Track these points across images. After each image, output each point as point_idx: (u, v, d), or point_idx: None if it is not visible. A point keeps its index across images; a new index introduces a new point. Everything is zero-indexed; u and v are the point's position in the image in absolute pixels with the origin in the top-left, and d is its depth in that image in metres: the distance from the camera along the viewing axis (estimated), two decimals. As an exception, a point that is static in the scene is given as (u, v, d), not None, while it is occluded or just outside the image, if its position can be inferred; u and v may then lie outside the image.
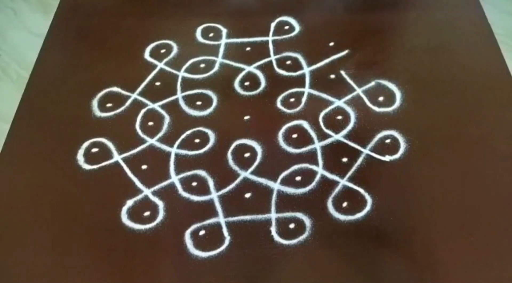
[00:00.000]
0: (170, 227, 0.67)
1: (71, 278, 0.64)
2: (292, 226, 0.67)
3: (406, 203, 0.68)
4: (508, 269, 0.62)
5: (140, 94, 0.82)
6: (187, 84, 0.83)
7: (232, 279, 0.63)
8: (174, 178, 0.72)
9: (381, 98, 0.79)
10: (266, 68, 0.84)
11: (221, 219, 0.68)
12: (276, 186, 0.70)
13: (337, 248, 0.65)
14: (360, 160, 0.72)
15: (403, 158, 0.72)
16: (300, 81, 0.82)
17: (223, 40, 0.89)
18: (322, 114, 0.78)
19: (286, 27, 0.90)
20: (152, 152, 0.75)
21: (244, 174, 0.72)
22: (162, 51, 0.88)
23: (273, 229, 0.66)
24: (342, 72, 0.82)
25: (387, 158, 0.72)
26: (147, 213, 0.69)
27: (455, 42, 0.86)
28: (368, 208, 0.67)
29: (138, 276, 0.63)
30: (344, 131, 0.75)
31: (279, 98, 0.80)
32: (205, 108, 0.80)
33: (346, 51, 0.85)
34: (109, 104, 0.81)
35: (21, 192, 0.72)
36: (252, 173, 0.72)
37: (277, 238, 0.66)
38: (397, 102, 0.78)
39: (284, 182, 0.71)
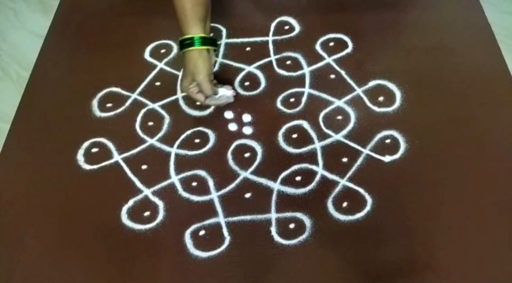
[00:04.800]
0: (170, 227, 0.67)
1: (71, 278, 0.64)
2: (292, 226, 0.67)
3: (406, 202, 0.68)
4: (508, 269, 0.62)
5: (140, 94, 0.82)
6: (187, 84, 0.83)
7: (232, 279, 0.63)
8: (174, 178, 0.72)
9: (381, 98, 0.79)
10: (266, 68, 0.84)
11: (221, 219, 0.68)
12: (276, 186, 0.70)
13: (337, 248, 0.65)
14: (360, 160, 0.72)
15: (403, 158, 0.72)
16: (300, 81, 0.82)
17: (223, 40, 0.89)
18: (322, 114, 0.78)
19: (286, 27, 0.90)
20: (152, 152, 0.75)
21: (244, 174, 0.72)
22: (162, 51, 0.88)
23: (273, 229, 0.66)
24: (342, 72, 0.82)
25: (387, 158, 0.72)
26: (147, 213, 0.69)
27: (455, 42, 0.86)
28: (368, 208, 0.67)
29: (138, 276, 0.64)
30: (344, 131, 0.75)
31: (279, 98, 0.80)
32: (205, 108, 0.80)
33: (346, 51, 0.85)
34: (109, 104, 0.81)
35: (21, 191, 0.72)
36: (252, 173, 0.72)
37: (277, 238, 0.66)
38: (397, 102, 0.78)
39: (284, 182, 0.71)
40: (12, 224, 0.69)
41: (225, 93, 0.76)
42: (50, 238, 0.67)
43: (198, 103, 0.79)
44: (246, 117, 0.78)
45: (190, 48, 0.72)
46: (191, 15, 0.72)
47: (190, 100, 0.80)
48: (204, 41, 0.73)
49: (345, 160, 0.72)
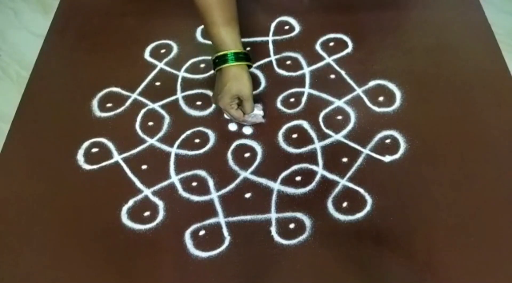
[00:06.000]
0: (170, 227, 0.67)
1: (71, 278, 0.64)
2: (292, 226, 0.67)
3: (406, 203, 0.68)
4: (508, 269, 0.62)
5: (140, 94, 0.82)
6: (187, 84, 0.83)
7: (232, 279, 0.63)
8: (174, 178, 0.72)
9: (381, 98, 0.79)
10: (266, 68, 0.84)
11: (221, 219, 0.68)
12: (276, 186, 0.70)
13: (337, 248, 0.65)
14: (360, 160, 0.72)
15: (403, 158, 0.72)
16: (300, 81, 0.82)
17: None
18: (322, 114, 0.78)
19: (286, 27, 0.90)
20: (152, 152, 0.75)
21: (244, 174, 0.72)
22: (162, 51, 0.88)
23: (273, 229, 0.66)
24: (342, 72, 0.82)
25: (387, 158, 0.72)
26: (147, 213, 0.69)
27: (455, 42, 0.86)
28: (368, 208, 0.67)
29: (138, 276, 0.64)
30: (344, 131, 0.75)
31: (279, 98, 0.80)
32: (205, 108, 0.80)
33: (346, 51, 0.85)
34: (109, 104, 0.81)
35: (21, 191, 0.72)
36: (252, 173, 0.72)
37: (277, 238, 0.66)
38: (397, 102, 0.78)
39: (284, 182, 0.71)
40: (12, 224, 0.69)
41: (258, 112, 0.75)
42: (50, 238, 0.67)
43: (198, 103, 0.79)
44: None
45: (234, 63, 0.69)
46: (228, 30, 0.70)
47: (190, 100, 0.81)
48: (245, 56, 0.71)
49: (345, 160, 0.72)
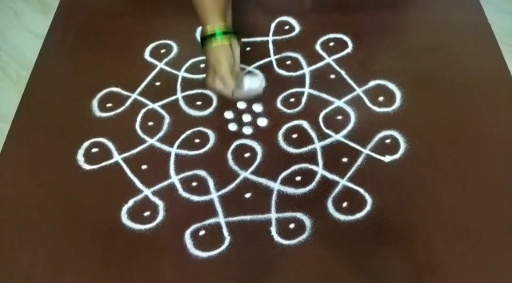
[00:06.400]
0: (170, 227, 0.67)
1: (71, 278, 0.64)
2: (292, 226, 0.67)
3: (406, 203, 0.68)
4: (508, 269, 0.62)
5: (140, 94, 0.82)
6: (187, 84, 0.83)
7: (232, 279, 0.63)
8: (174, 178, 0.72)
9: (381, 98, 0.79)
10: (266, 68, 0.84)
11: (221, 219, 0.68)
12: (276, 186, 0.70)
13: (337, 248, 0.65)
14: (360, 160, 0.72)
15: (403, 158, 0.72)
16: (300, 81, 0.82)
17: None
18: (322, 114, 0.78)
19: (286, 27, 0.90)
20: (152, 152, 0.75)
21: (244, 174, 0.72)
22: (162, 51, 0.88)
23: (273, 229, 0.66)
24: (342, 72, 0.82)
25: (387, 158, 0.72)
26: (147, 213, 0.69)
27: (455, 42, 0.86)
28: (368, 208, 0.67)
29: (138, 276, 0.63)
30: (344, 131, 0.75)
31: (279, 98, 0.80)
32: (205, 108, 0.80)
33: (346, 51, 0.85)
34: (109, 104, 0.81)
35: (21, 191, 0.72)
36: (252, 173, 0.72)
37: (277, 238, 0.66)
38: (397, 102, 0.78)
39: (284, 182, 0.71)
40: (12, 224, 0.69)
41: (252, 86, 0.73)
42: (50, 238, 0.67)
43: (198, 103, 0.79)
44: (246, 117, 0.78)
45: (211, 43, 0.68)
46: (210, 8, 0.69)
47: (190, 100, 0.81)
48: (225, 34, 0.69)
49: (345, 160, 0.72)
